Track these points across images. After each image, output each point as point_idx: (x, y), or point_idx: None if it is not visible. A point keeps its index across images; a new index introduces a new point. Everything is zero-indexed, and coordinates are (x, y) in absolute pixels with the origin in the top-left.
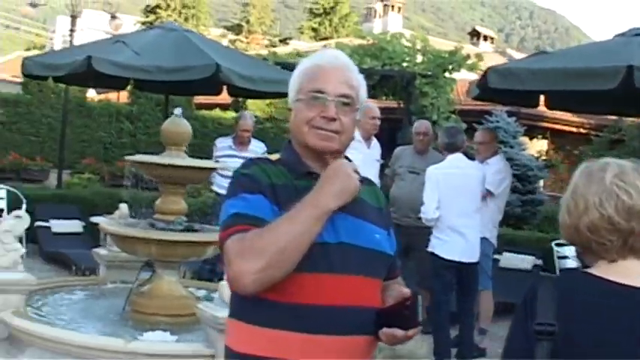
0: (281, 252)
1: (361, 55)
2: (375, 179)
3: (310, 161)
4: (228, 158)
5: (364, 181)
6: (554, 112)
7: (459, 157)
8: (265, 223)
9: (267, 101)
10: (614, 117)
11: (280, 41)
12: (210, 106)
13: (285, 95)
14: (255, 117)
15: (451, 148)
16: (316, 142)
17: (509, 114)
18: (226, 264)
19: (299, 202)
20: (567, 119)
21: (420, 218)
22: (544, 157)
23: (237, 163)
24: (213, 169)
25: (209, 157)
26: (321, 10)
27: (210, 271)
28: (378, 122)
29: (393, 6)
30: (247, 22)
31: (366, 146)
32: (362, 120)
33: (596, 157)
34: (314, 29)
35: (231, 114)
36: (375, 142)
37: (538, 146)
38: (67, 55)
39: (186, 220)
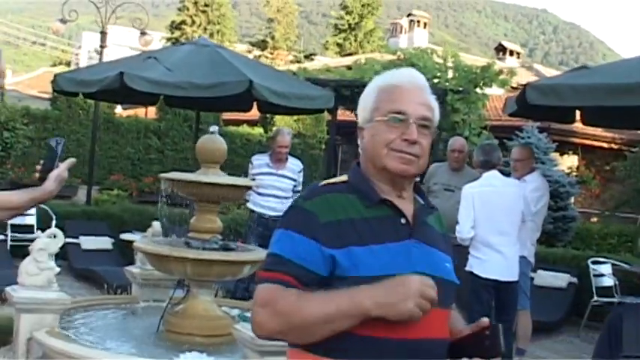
0: (303, 328)
1: None
2: None
3: (384, 185)
4: (265, 176)
5: (430, 207)
6: (585, 127)
7: (494, 174)
8: (309, 274)
9: (295, 117)
10: None
11: (305, 57)
12: (238, 123)
13: (314, 112)
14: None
15: (487, 166)
16: (396, 165)
17: (540, 130)
18: (253, 303)
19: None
20: (598, 134)
21: (453, 237)
22: (575, 173)
23: (274, 181)
24: (249, 188)
25: (237, 173)
26: (346, 26)
27: (244, 289)
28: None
29: (419, 21)
30: (272, 38)
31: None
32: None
33: (630, 173)
34: (339, 45)
35: (259, 130)
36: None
37: (569, 162)
38: (99, 72)
39: (221, 239)
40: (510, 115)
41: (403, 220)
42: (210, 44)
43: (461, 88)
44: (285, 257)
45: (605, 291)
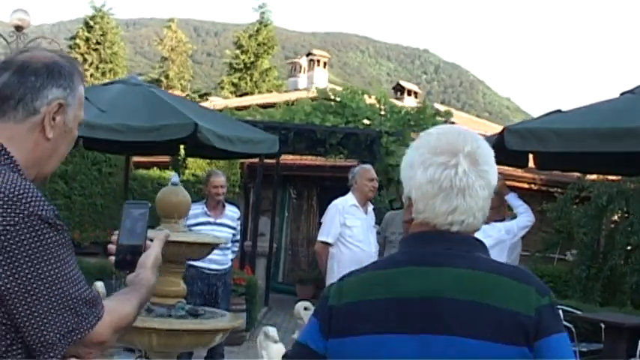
0: None
1: (323, 113)
2: (376, 246)
3: None
4: (203, 226)
5: None
6: (508, 168)
7: None
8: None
9: (208, 160)
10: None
11: (200, 96)
12: (148, 166)
13: (253, 156)
14: (195, 176)
15: None
16: None
17: None
18: None
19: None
20: (519, 175)
21: None
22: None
23: (213, 231)
24: (217, 245)
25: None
26: (242, 65)
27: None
28: (377, 185)
29: (318, 61)
30: (166, 77)
31: (363, 212)
32: (358, 182)
33: (560, 215)
34: (234, 84)
35: (170, 173)
36: (371, 207)
37: None
38: None
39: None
40: None
41: None
42: (142, 83)
43: (394, 130)
44: (300, 341)
45: None
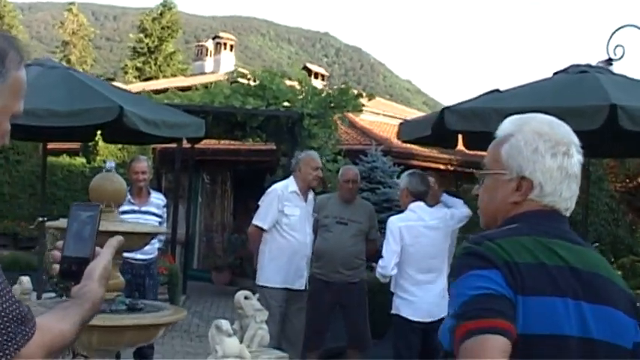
0: None
1: (244, 95)
2: (311, 236)
3: None
4: (127, 215)
5: None
6: (425, 149)
7: (421, 206)
8: None
9: (120, 146)
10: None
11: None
12: (58, 152)
13: (175, 140)
14: (105, 162)
15: (422, 197)
16: None
17: (383, 153)
18: None
19: None
20: (435, 156)
21: (350, 275)
22: None
23: (138, 219)
24: (156, 234)
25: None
26: (145, 49)
27: None
28: (321, 174)
29: (225, 44)
30: (68, 61)
31: (303, 199)
32: (302, 170)
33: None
34: (138, 68)
35: (81, 160)
36: (311, 195)
37: None
38: None
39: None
40: (405, 141)
41: None
42: (59, 65)
43: (317, 112)
44: None
45: None
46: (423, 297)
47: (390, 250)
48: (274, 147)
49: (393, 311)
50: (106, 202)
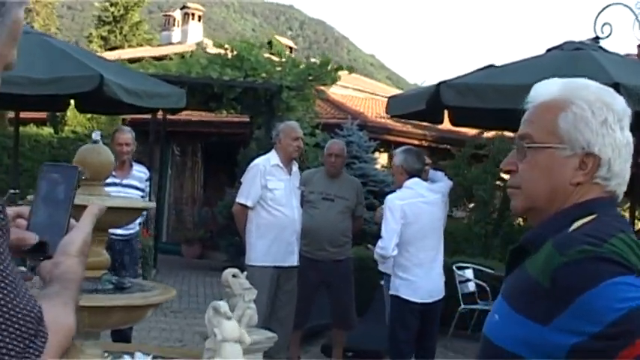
0: None
1: (221, 66)
2: (299, 210)
3: None
4: (108, 187)
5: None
6: (398, 124)
7: (419, 182)
8: None
9: (89, 116)
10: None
11: None
12: (25, 122)
13: (151, 111)
14: (75, 132)
15: (418, 174)
16: None
17: (359, 127)
18: None
19: None
20: (410, 132)
21: (336, 252)
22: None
23: (119, 193)
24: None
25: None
26: (111, 18)
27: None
28: (302, 144)
29: (193, 14)
30: (31, 28)
31: (286, 172)
32: (283, 141)
33: (458, 171)
34: (103, 38)
35: (48, 130)
36: (295, 167)
37: (381, 160)
38: None
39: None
40: (395, 115)
41: None
42: (32, 31)
43: (295, 85)
44: None
45: (470, 298)
46: (424, 277)
47: (390, 229)
48: (247, 119)
49: (392, 292)
50: (91, 175)
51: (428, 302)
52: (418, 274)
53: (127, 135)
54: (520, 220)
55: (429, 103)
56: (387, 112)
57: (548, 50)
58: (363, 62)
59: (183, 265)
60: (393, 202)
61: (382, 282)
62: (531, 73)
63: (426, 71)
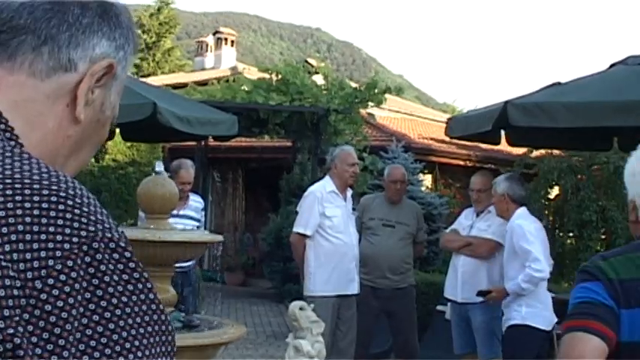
0: None
1: (266, 91)
2: (356, 236)
3: None
4: None
5: None
6: (442, 145)
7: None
8: None
9: (129, 144)
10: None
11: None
12: None
13: (198, 138)
14: (115, 161)
15: (524, 202)
16: None
17: (404, 149)
18: None
19: None
20: (455, 152)
21: (397, 280)
22: (435, 193)
23: (176, 224)
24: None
25: None
26: (143, 45)
27: None
28: (358, 170)
29: (226, 39)
30: None
31: (342, 198)
32: (339, 167)
33: None
34: (136, 65)
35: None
36: (349, 193)
37: (426, 182)
38: None
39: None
40: (452, 137)
41: None
42: None
43: (342, 108)
44: None
45: None
46: (548, 302)
47: (540, 251)
48: (289, 144)
49: (519, 322)
50: (157, 208)
51: (550, 329)
52: (545, 300)
53: (191, 172)
54: (572, 239)
55: (496, 124)
56: (446, 134)
57: (612, 65)
58: (392, 83)
59: (225, 293)
60: (530, 226)
61: (440, 307)
62: (599, 90)
63: (455, 90)
